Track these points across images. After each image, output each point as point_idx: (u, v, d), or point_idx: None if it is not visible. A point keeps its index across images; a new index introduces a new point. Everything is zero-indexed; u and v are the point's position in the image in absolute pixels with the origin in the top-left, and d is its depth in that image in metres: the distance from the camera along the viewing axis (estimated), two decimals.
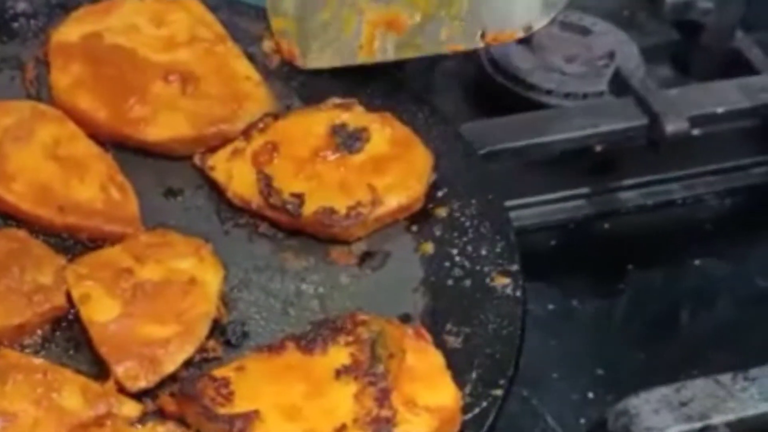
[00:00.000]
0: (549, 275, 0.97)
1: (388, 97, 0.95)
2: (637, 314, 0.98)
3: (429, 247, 0.87)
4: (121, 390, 0.75)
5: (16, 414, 0.70)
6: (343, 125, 0.90)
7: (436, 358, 0.77)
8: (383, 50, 0.93)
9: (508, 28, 0.89)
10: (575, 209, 1.04)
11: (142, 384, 0.75)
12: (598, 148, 1.02)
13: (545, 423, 0.89)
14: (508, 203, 0.96)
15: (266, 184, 0.86)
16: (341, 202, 0.85)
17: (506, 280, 0.84)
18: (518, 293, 0.83)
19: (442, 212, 0.89)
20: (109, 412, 0.72)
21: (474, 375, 0.78)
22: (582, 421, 0.89)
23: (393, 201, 0.87)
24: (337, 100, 0.93)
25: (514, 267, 0.85)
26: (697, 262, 1.01)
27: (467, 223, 0.88)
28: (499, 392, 0.77)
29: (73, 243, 0.84)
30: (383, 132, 0.91)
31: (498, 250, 0.86)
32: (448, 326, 0.82)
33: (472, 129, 0.96)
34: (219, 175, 0.88)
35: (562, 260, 1.01)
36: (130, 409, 0.73)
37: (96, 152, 0.88)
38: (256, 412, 0.72)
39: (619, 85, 1.04)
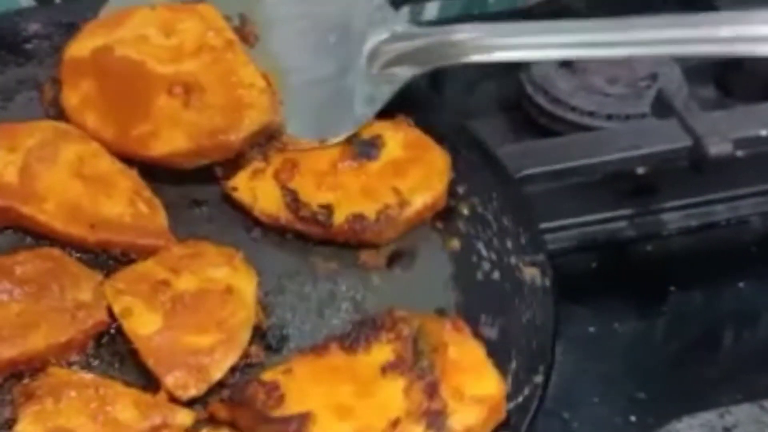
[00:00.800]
0: (590, 297, 0.98)
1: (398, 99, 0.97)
2: (679, 337, 0.98)
3: (455, 243, 0.89)
4: (173, 400, 0.76)
5: (74, 430, 0.71)
6: (357, 135, 0.92)
7: (477, 349, 0.79)
8: None
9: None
10: (617, 231, 1.05)
11: (192, 392, 0.76)
12: (641, 171, 1.02)
13: None
14: (549, 224, 0.99)
15: (293, 198, 0.88)
16: (369, 208, 0.87)
17: (534, 271, 0.85)
18: (547, 282, 0.85)
19: (464, 208, 0.91)
20: (164, 422, 0.73)
21: (514, 364, 0.80)
22: None
23: (419, 201, 0.88)
24: None
25: (541, 257, 0.86)
26: (740, 284, 1.01)
27: (490, 217, 0.90)
28: (539, 379, 0.78)
29: (106, 258, 0.85)
30: (397, 136, 0.92)
31: (523, 241, 0.88)
32: (483, 318, 0.83)
33: (513, 151, 0.97)
34: (243, 196, 0.89)
35: (603, 282, 1.01)
36: (184, 417, 0.74)
37: (120, 168, 0.89)
38: (309, 413, 0.74)
39: (662, 106, 1.04)
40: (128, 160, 0.90)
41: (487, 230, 0.89)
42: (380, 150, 0.91)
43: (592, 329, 0.96)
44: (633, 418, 0.90)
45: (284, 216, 0.88)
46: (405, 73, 0.92)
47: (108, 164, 0.89)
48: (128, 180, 0.88)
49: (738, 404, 0.82)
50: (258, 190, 0.89)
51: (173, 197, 0.90)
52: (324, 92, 0.94)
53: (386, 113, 0.94)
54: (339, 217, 0.87)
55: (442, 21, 0.99)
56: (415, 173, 0.90)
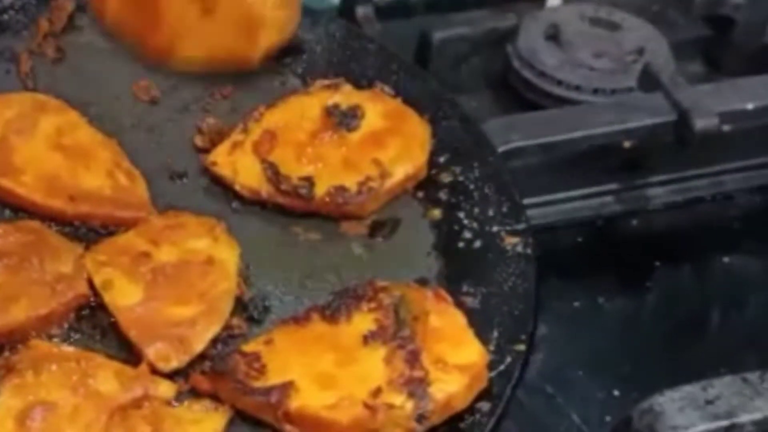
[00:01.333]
0: (575, 272, 0.98)
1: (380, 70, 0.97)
2: (664, 312, 0.98)
3: (437, 213, 0.89)
4: (154, 371, 0.75)
5: (55, 402, 0.71)
6: (336, 105, 0.91)
7: (459, 318, 0.79)
8: None
9: None
10: (603, 206, 1.04)
11: (174, 364, 0.76)
12: (627, 145, 1.02)
13: (570, 421, 0.89)
14: (535, 199, 0.98)
15: (273, 172, 0.87)
16: (350, 180, 0.87)
17: (515, 239, 0.86)
18: (528, 251, 0.85)
19: (446, 177, 0.90)
20: (145, 394, 0.73)
21: (495, 333, 0.80)
22: (607, 419, 0.89)
23: (400, 171, 0.88)
24: (325, 81, 0.94)
25: (522, 226, 0.87)
26: (725, 259, 1.01)
27: (471, 186, 0.90)
28: (522, 347, 0.78)
29: (85, 231, 0.84)
30: (376, 107, 0.92)
31: (504, 210, 0.88)
32: (465, 287, 0.83)
33: (499, 125, 0.96)
34: (223, 170, 0.89)
35: (588, 257, 1.01)
36: (166, 389, 0.74)
37: (99, 139, 0.88)
38: (291, 383, 0.74)
39: (648, 80, 1.03)
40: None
41: (468, 199, 0.89)
42: (360, 120, 0.90)
43: (577, 304, 0.96)
44: (616, 393, 0.90)
45: (265, 189, 0.87)
46: None
47: (87, 135, 0.88)
48: (107, 151, 0.87)
49: (720, 377, 0.81)
50: (238, 163, 0.89)
51: (153, 169, 0.89)
52: None
53: (366, 84, 0.94)
54: (320, 190, 0.86)
55: None
56: (395, 144, 0.89)
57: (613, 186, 1.04)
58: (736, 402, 0.79)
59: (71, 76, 0.96)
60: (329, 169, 0.88)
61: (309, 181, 0.87)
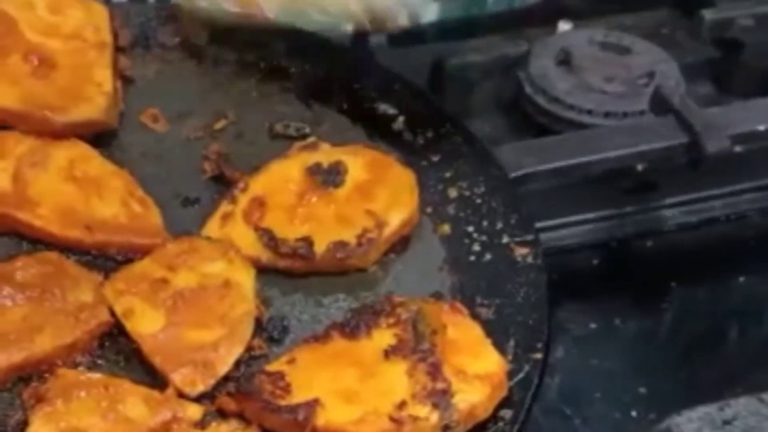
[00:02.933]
0: (591, 294, 0.98)
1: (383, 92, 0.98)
2: (680, 332, 0.98)
3: (446, 228, 0.91)
4: (181, 395, 0.77)
5: (86, 429, 0.72)
6: (318, 164, 0.91)
7: (476, 330, 0.81)
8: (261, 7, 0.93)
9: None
10: (617, 228, 1.05)
11: (200, 388, 0.77)
12: (640, 167, 1.02)
13: None
14: (550, 223, 0.99)
15: (269, 238, 0.87)
16: (348, 234, 0.87)
17: (525, 250, 0.87)
18: (538, 261, 0.87)
19: (453, 192, 0.92)
20: (174, 417, 0.74)
21: (512, 342, 0.81)
22: None
23: (395, 219, 0.88)
24: (299, 144, 0.94)
25: (530, 237, 0.88)
26: (741, 279, 1.01)
27: (478, 201, 0.91)
28: (539, 356, 0.80)
29: (103, 259, 0.86)
30: (357, 161, 0.92)
31: (512, 222, 0.89)
32: (478, 299, 0.85)
33: (512, 150, 0.97)
34: None
35: (604, 279, 1.01)
36: (193, 412, 0.75)
37: (111, 169, 0.90)
38: (316, 400, 0.75)
39: (659, 103, 1.04)
40: None
41: (476, 213, 0.90)
42: (344, 176, 0.90)
43: (593, 326, 0.96)
44: (634, 413, 0.91)
45: (265, 256, 0.87)
46: None
47: (99, 166, 0.90)
48: (120, 180, 0.89)
49: (737, 398, 0.82)
50: (232, 234, 0.88)
51: (165, 196, 0.90)
52: None
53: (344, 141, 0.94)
54: (320, 248, 0.86)
55: (443, 22, 1.00)
56: (383, 193, 0.90)
57: (627, 208, 1.05)
58: (753, 422, 0.80)
59: None
60: (324, 227, 0.88)
61: (307, 241, 0.87)
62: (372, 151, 0.93)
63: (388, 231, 0.88)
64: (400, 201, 0.89)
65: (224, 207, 0.89)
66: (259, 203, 0.89)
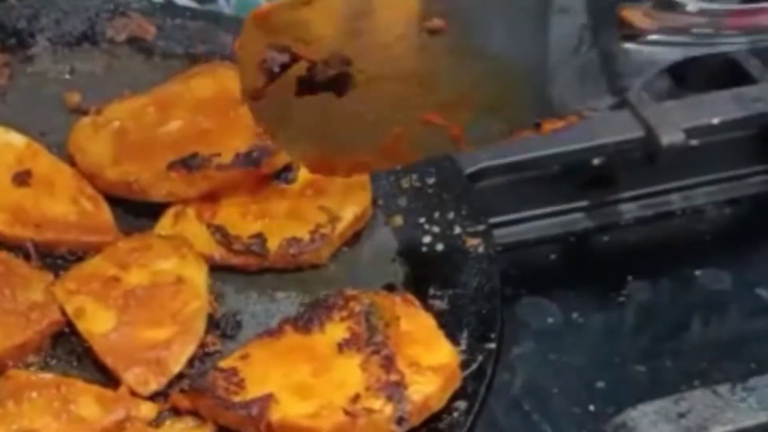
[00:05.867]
0: (549, 289, 0.98)
1: None
2: (638, 326, 0.98)
3: (398, 219, 0.91)
4: (134, 394, 0.76)
5: (38, 430, 0.72)
6: None
7: (429, 321, 0.81)
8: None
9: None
10: (574, 222, 1.05)
11: (153, 387, 0.77)
12: (596, 162, 1.03)
13: None
14: (507, 217, 0.99)
15: (222, 234, 0.86)
16: (301, 230, 0.86)
17: (476, 241, 0.88)
18: (490, 251, 0.87)
19: (404, 184, 0.92)
20: (127, 416, 0.74)
21: (465, 333, 0.82)
22: None
23: (349, 214, 0.88)
24: None
25: (482, 227, 0.89)
26: (697, 272, 1.01)
27: (430, 192, 0.92)
28: (492, 345, 0.81)
29: (53, 258, 0.85)
30: None
31: (463, 213, 0.90)
32: (432, 290, 0.85)
33: None
34: None
35: (562, 273, 1.01)
36: (147, 410, 0.75)
37: (60, 167, 0.89)
38: (270, 395, 0.75)
39: None
40: None
41: (428, 205, 0.91)
42: (297, 172, 0.90)
43: (551, 320, 0.96)
44: (592, 408, 0.91)
45: (218, 253, 0.86)
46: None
47: (48, 164, 0.89)
48: (70, 178, 0.88)
49: (692, 390, 0.83)
50: (186, 232, 0.87)
51: None
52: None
53: None
54: (273, 244, 0.86)
55: None
56: (336, 189, 0.89)
57: (584, 202, 1.05)
58: (708, 415, 0.81)
59: (24, 104, 0.96)
60: (277, 223, 0.87)
61: (260, 237, 0.86)
62: None
63: (341, 226, 0.88)
64: (352, 196, 0.89)
65: (176, 205, 0.88)
66: (212, 200, 0.88)
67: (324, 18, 0.78)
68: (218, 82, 0.95)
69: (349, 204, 0.89)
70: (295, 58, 0.78)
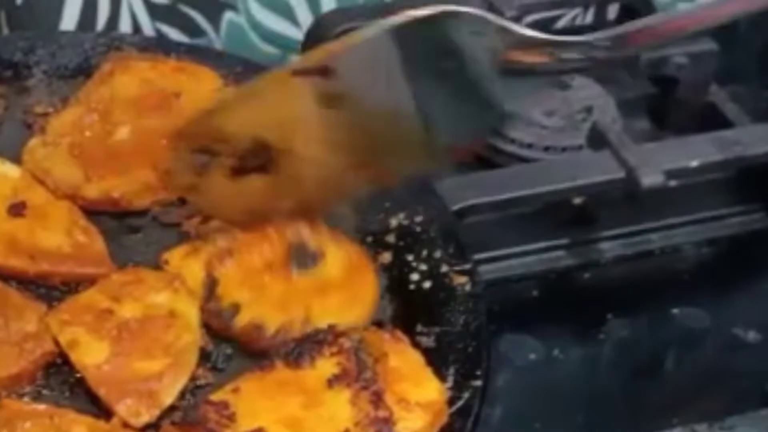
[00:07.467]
0: (530, 325, 0.99)
1: None
2: (617, 363, 1.00)
3: (387, 256, 0.92)
4: (126, 426, 0.77)
5: None
6: (303, 245, 0.89)
7: (416, 357, 0.83)
8: None
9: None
10: (556, 260, 1.06)
11: (145, 419, 0.78)
12: (578, 201, 1.05)
13: None
14: (490, 254, 1.01)
15: (209, 288, 0.86)
16: (274, 319, 0.85)
17: (463, 279, 0.89)
18: (477, 289, 0.89)
19: (393, 222, 0.94)
20: None
21: (452, 370, 0.83)
22: None
23: (323, 323, 0.85)
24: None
25: (468, 265, 0.90)
26: (675, 311, 1.03)
27: (417, 229, 0.93)
28: (478, 383, 0.82)
29: (46, 289, 0.86)
30: (337, 254, 0.90)
31: (450, 251, 0.91)
32: (419, 327, 0.87)
33: (454, 183, 0.99)
34: (169, 270, 0.88)
35: (543, 310, 1.03)
36: None
37: (54, 199, 0.90)
38: (261, 429, 0.76)
39: (597, 138, 1.06)
40: None
41: (416, 242, 0.92)
42: (317, 266, 0.89)
43: (533, 356, 0.98)
44: None
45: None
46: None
47: (42, 196, 0.90)
48: (64, 210, 0.89)
49: (671, 429, 0.85)
50: (184, 269, 0.87)
51: (109, 225, 0.91)
52: None
53: None
54: (242, 320, 0.85)
55: None
56: (337, 298, 0.88)
57: (565, 241, 1.07)
58: None
59: (20, 136, 0.97)
60: (262, 302, 0.86)
61: (235, 308, 0.86)
62: (357, 250, 0.91)
63: (309, 329, 0.85)
64: (345, 311, 0.87)
65: (196, 241, 0.89)
66: (228, 254, 0.88)
67: (233, 119, 0.84)
68: (136, 77, 0.98)
69: (334, 317, 0.85)
70: (214, 155, 0.85)
